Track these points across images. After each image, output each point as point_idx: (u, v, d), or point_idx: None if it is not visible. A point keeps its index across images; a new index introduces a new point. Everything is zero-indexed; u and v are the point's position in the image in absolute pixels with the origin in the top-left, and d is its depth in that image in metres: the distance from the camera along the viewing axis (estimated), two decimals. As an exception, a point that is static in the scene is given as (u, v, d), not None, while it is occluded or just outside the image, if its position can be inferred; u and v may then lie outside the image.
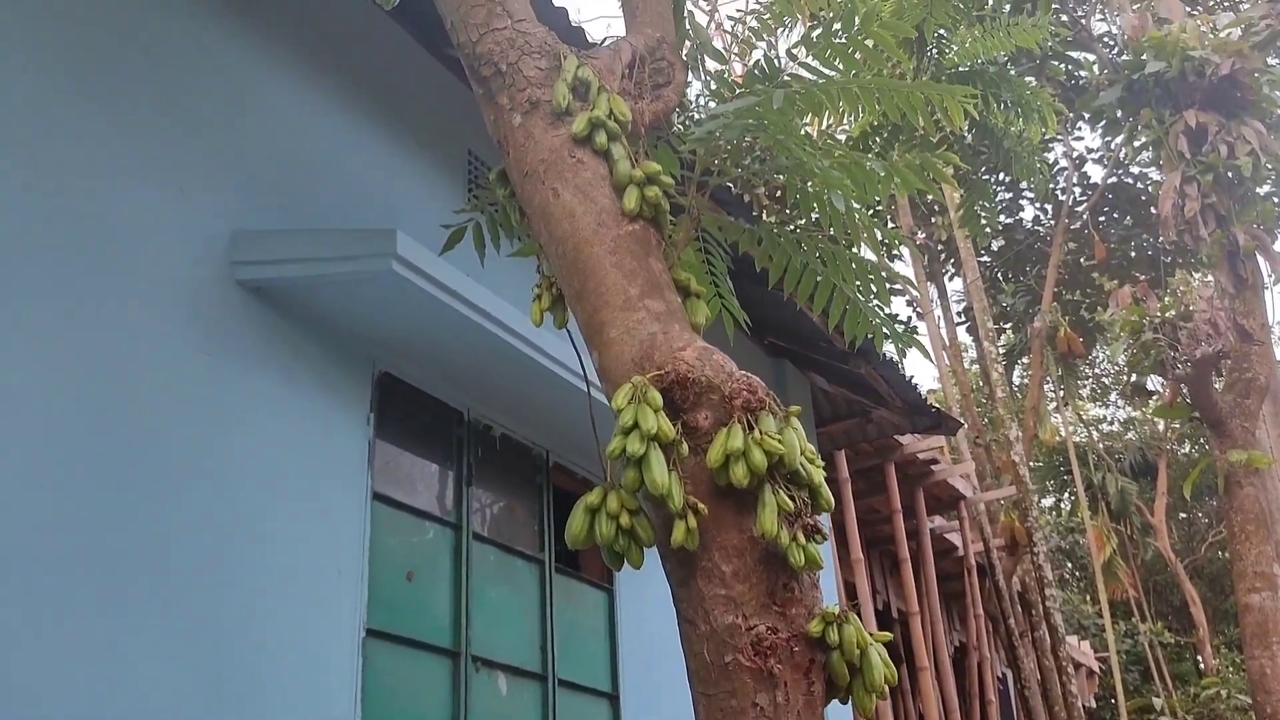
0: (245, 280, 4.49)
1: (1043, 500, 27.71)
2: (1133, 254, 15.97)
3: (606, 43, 3.06)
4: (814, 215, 3.09)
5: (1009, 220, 16.50)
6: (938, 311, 17.50)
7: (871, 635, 2.21)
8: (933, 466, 13.03)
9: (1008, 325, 18.27)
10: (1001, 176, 14.42)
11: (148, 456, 3.92)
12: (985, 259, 17.16)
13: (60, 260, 3.81)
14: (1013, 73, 9.15)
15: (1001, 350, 17.20)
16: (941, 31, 6.08)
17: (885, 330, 3.22)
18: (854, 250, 3.16)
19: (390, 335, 4.97)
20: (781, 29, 3.18)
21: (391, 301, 4.65)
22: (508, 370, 5.31)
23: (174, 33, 4.59)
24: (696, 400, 2.31)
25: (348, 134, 5.43)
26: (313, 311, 4.72)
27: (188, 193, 4.40)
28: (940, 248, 17.17)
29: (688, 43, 3.31)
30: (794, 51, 2.96)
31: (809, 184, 2.99)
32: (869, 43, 2.92)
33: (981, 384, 19.27)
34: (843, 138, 8.58)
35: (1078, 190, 16.01)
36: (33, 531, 3.45)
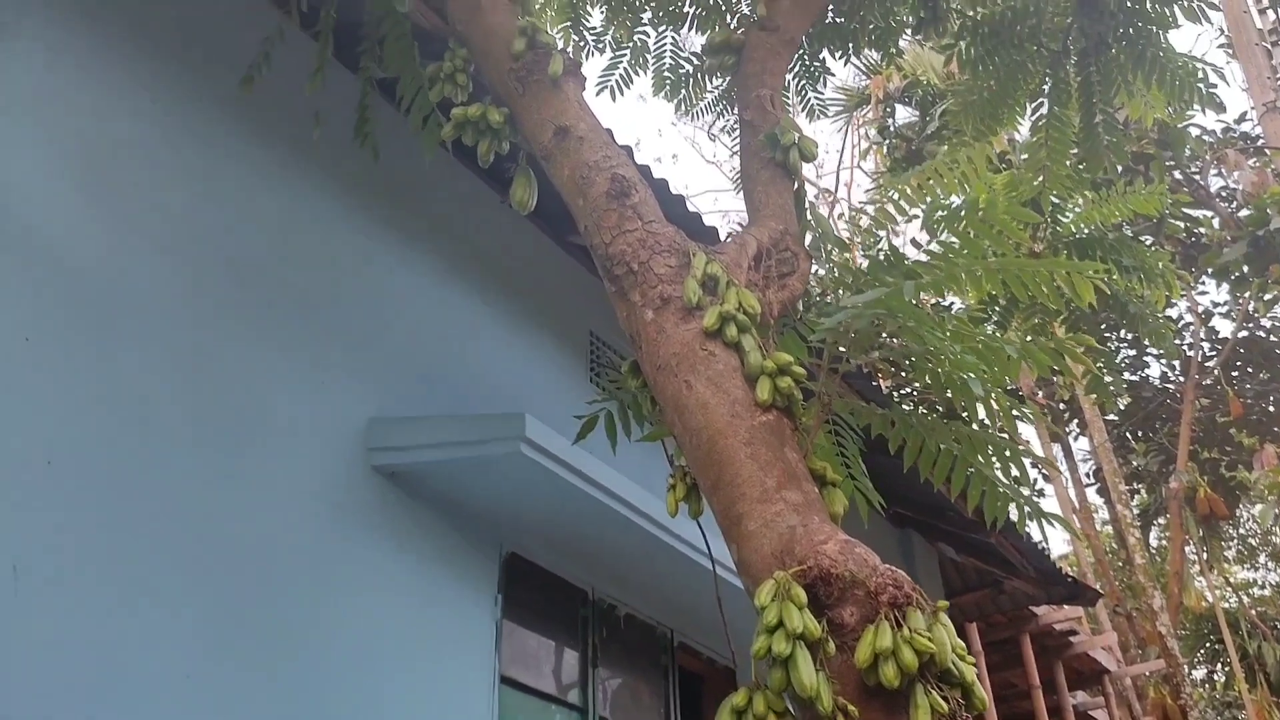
0: (381, 466, 4.63)
1: (1194, 673, 25.82)
2: (1271, 409, 15.28)
3: (731, 238, 3.15)
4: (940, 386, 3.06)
5: (1134, 377, 16.03)
6: (1064, 470, 16.91)
7: None
8: (1071, 638, 12.33)
9: (1140, 486, 17.50)
10: (1124, 333, 14.11)
11: (287, 630, 4.00)
12: (1112, 417, 16.62)
13: (210, 448, 4.01)
14: (1129, 233, 9.08)
15: (1136, 512, 16.44)
16: (1055, 199, 6.08)
17: (1028, 510, 3.12)
18: (989, 429, 3.11)
19: (518, 516, 5.02)
20: (904, 217, 3.24)
21: (520, 483, 4.73)
22: (633, 549, 5.30)
23: (317, 239, 4.91)
24: (841, 596, 2.26)
25: (476, 321, 5.66)
26: (444, 494, 4.83)
27: (329, 385, 4.61)
28: (1063, 407, 16.72)
29: (810, 233, 3.39)
30: (918, 240, 3.00)
31: (940, 366, 2.98)
32: (994, 228, 2.95)
33: (1117, 548, 18.36)
34: (957, 304, 8.57)
35: (1206, 345, 15.53)
36: (178, 710, 3.52)
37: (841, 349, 3.05)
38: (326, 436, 4.51)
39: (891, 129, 14.63)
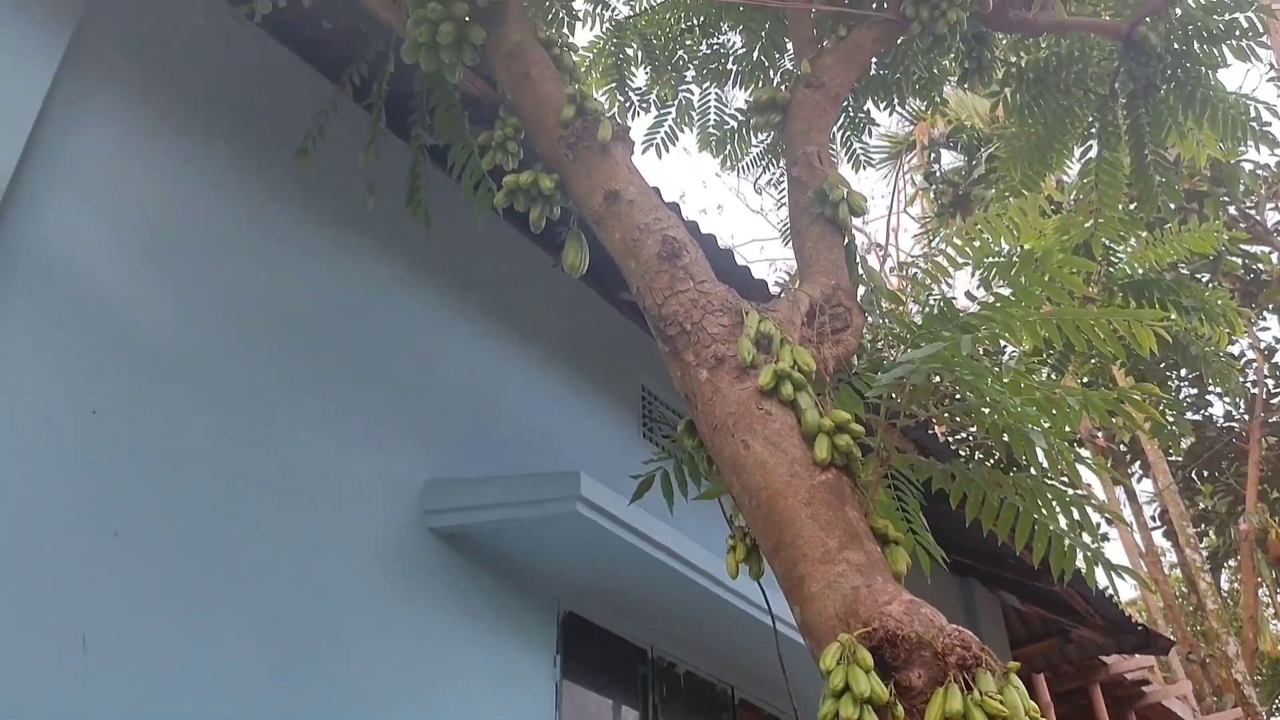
0: (437, 528, 4.65)
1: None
2: (1342, 446, 14.85)
3: (784, 294, 3.16)
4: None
5: (1198, 417, 15.68)
6: (1126, 511, 16.52)
7: None
8: (1144, 688, 11.96)
9: (1209, 528, 17.04)
10: (1184, 372, 13.83)
11: (348, 692, 4.02)
12: (1176, 458, 16.24)
13: (271, 514, 4.06)
14: (1186, 272, 8.94)
15: (1205, 555, 16.00)
16: (1108, 242, 6.03)
17: (1097, 562, 3.06)
18: (1052, 481, 3.06)
19: (575, 575, 5.01)
20: (957, 269, 3.23)
21: (576, 542, 4.72)
22: (691, 606, 5.25)
23: (373, 304, 4.99)
24: (908, 658, 2.22)
25: (530, 380, 5.70)
26: (500, 555, 4.83)
27: (385, 448, 4.66)
28: (1124, 449, 16.38)
29: (861, 286, 3.39)
30: (973, 292, 2.99)
31: (999, 417, 2.94)
32: (1048, 278, 2.93)
33: (1187, 593, 17.86)
34: (1010, 348, 8.46)
35: (1270, 382, 15.17)
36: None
37: (899, 401, 3.03)
38: (384, 499, 4.55)
39: (938, 174, 14.60)
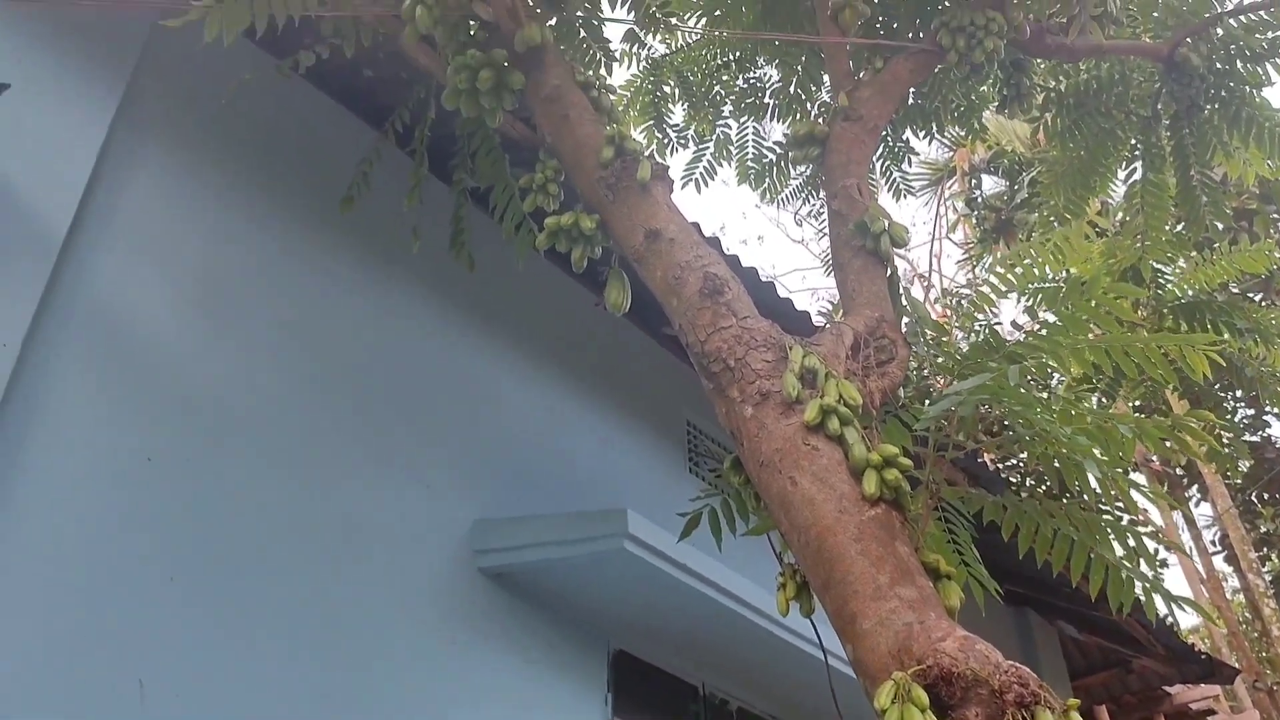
0: (486, 568, 4.67)
1: (1346, 749, 24.09)
2: None
3: (828, 328, 3.15)
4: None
5: (1255, 439, 15.34)
6: (1185, 537, 16.17)
7: None
8: (1209, 718, 11.65)
9: (1271, 552, 16.62)
10: (1239, 394, 13.56)
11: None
12: (1234, 481, 15.88)
13: (322, 555, 4.10)
14: (1236, 292, 8.79)
15: (1269, 580, 15.59)
16: (1155, 264, 5.95)
17: (1156, 592, 2.99)
18: (1107, 509, 3.02)
19: (624, 613, 5.00)
20: (1002, 297, 3.21)
21: (625, 579, 4.71)
22: (742, 642, 5.21)
23: (417, 346, 5.05)
24: (964, 696, 2.19)
25: (574, 417, 5.73)
26: (549, 593, 4.83)
27: (433, 489, 4.69)
28: (1181, 473, 16.06)
29: (905, 317, 3.37)
30: (1018, 322, 2.97)
31: (1051, 448, 2.90)
32: (1097, 306, 2.90)
33: (1250, 618, 17.40)
34: (1058, 378, 8.35)
35: (1330, 400, 14.81)
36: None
37: (948, 434, 3.00)
38: (433, 540, 4.58)
39: (979, 200, 14.52)
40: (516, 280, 5.60)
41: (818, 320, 8.24)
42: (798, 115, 5.79)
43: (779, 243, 35.37)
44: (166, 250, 4.17)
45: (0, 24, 3.80)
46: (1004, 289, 3.24)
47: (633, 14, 4.79)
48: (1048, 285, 3.54)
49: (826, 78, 5.30)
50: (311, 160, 4.99)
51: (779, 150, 6.06)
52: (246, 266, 4.45)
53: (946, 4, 4.61)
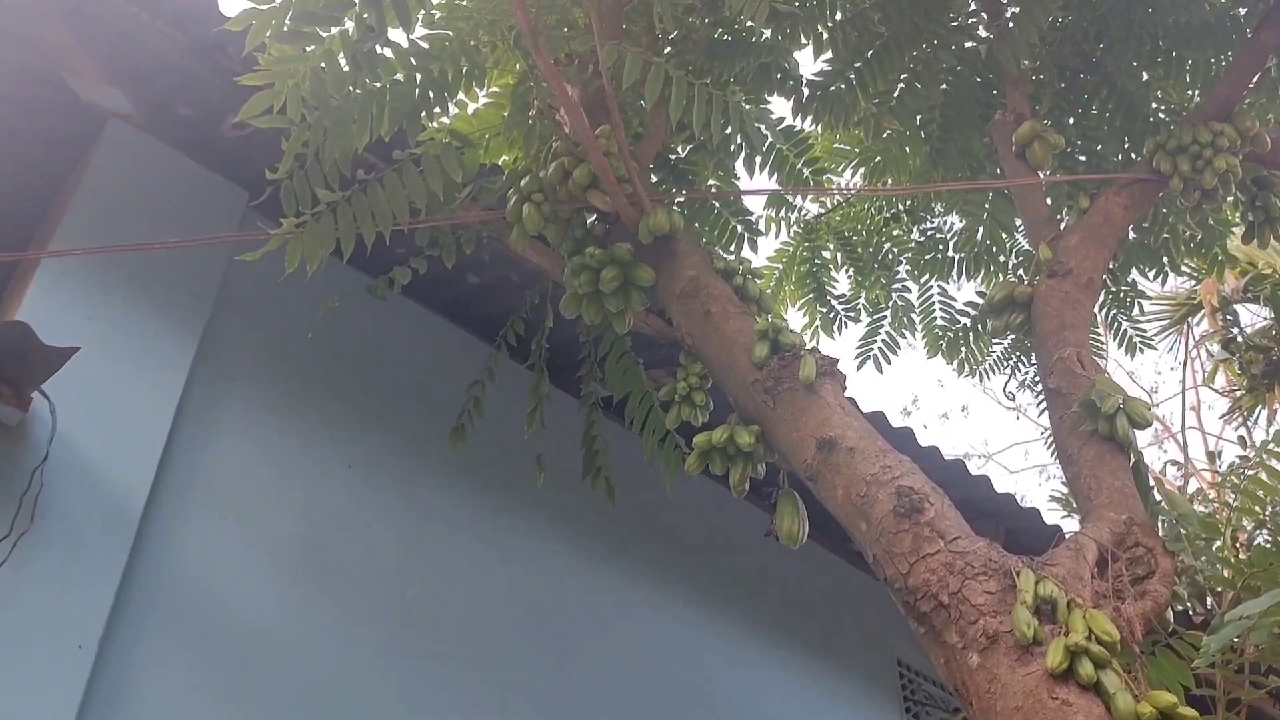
0: None
1: None
2: None
3: (1064, 542, 3.06)
4: None
5: None
6: None
7: None
8: None
9: None
10: None
11: None
12: None
13: None
14: None
15: None
16: None
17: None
18: None
19: None
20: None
21: None
22: None
23: (552, 592, 5.12)
24: None
25: (760, 665, 5.71)
26: None
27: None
28: None
29: (1161, 517, 3.25)
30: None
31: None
32: None
33: None
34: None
35: None
36: None
37: (1239, 670, 2.85)
38: None
39: (1239, 339, 14.01)
40: (667, 502, 5.64)
41: (1049, 511, 7.93)
42: (990, 269, 5.79)
43: (987, 409, 34.59)
44: (257, 511, 4.36)
45: (72, 279, 4.16)
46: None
47: (774, 177, 4.93)
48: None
49: (1020, 223, 5.31)
50: (414, 386, 5.19)
51: (973, 313, 6.02)
52: (348, 520, 4.61)
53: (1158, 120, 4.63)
